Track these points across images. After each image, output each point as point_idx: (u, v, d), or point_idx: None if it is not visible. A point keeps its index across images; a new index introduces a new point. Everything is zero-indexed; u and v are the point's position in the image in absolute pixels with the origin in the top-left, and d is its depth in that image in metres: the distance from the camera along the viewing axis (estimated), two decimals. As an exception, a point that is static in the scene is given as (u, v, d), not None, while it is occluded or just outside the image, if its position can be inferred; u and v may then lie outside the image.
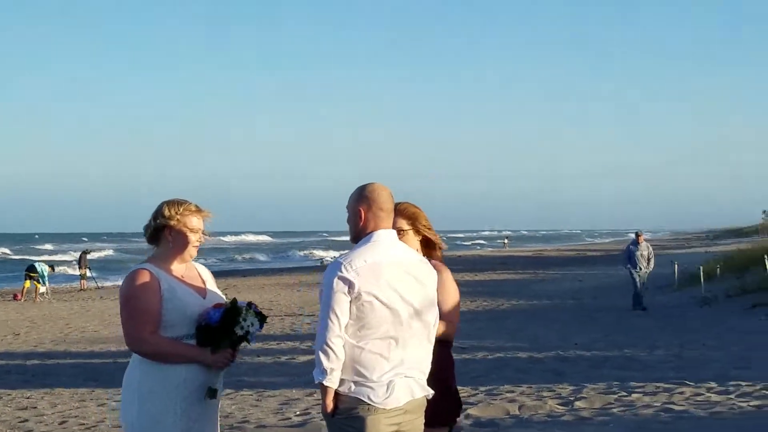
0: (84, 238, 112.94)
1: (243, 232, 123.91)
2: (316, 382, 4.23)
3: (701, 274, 23.80)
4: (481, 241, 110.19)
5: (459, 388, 10.62)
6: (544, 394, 9.91)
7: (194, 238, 4.70)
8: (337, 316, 4.15)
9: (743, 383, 9.92)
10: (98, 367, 14.42)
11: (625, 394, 9.63)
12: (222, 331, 4.55)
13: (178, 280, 4.64)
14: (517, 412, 9.00)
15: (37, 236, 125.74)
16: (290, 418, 9.29)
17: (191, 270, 4.79)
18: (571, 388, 10.25)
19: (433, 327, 4.42)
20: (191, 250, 4.71)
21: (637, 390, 9.82)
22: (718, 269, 25.36)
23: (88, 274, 36.91)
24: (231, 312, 4.57)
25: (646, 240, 22.55)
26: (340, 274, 4.18)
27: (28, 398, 11.34)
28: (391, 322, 4.22)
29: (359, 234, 4.38)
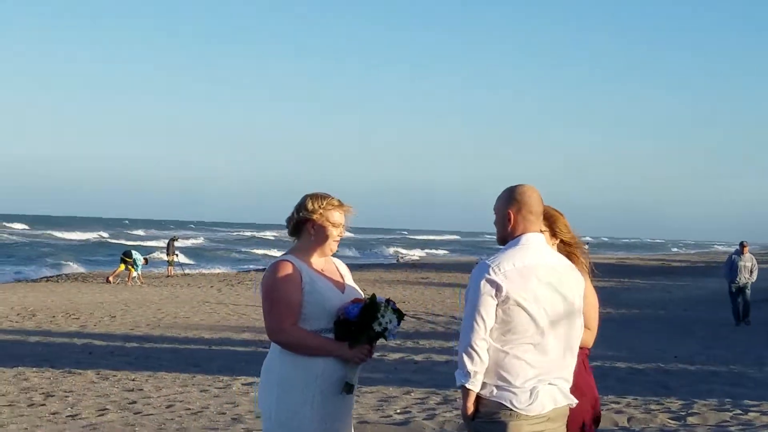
0: (171, 225, 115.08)
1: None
2: (458, 385, 4.15)
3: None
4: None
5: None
6: (653, 407, 9.66)
7: (336, 233, 4.70)
8: (483, 318, 4.08)
9: None
10: (195, 352, 14.63)
11: (740, 412, 9.32)
12: (360, 327, 4.54)
13: (319, 274, 4.65)
14: (627, 425, 8.80)
15: (126, 221, 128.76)
16: (391, 416, 9.25)
17: (330, 264, 4.79)
18: (680, 402, 9.97)
19: (579, 334, 4.33)
20: (332, 245, 4.71)
21: (753, 409, 9.49)
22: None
23: (176, 260, 37.55)
24: (370, 308, 4.55)
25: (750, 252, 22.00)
26: (487, 276, 4.11)
27: (133, 380, 11.52)
28: (537, 328, 4.13)
29: (507, 237, 4.31)
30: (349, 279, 4.83)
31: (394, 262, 58.47)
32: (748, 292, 21.19)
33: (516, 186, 4.35)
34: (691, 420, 8.92)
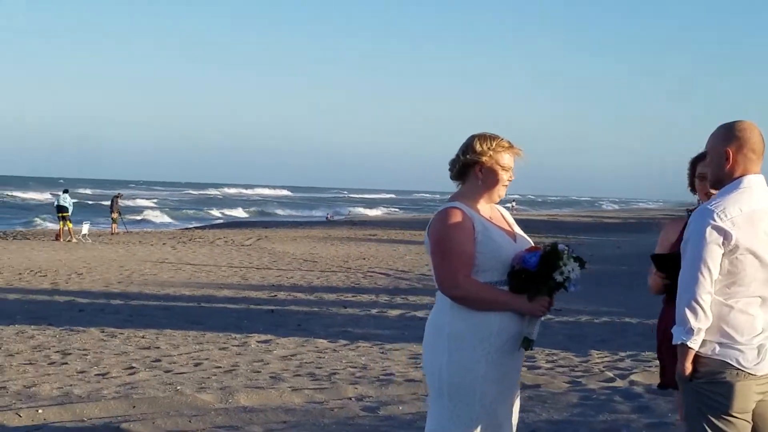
0: (114, 186, 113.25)
1: (259, 186, 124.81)
2: (678, 342, 3.76)
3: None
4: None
5: (595, 351, 10.17)
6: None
7: (505, 177, 4.27)
8: (709, 270, 3.71)
9: None
10: (188, 310, 14.00)
11: None
12: (541, 277, 4.14)
13: (490, 222, 4.22)
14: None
15: (61, 180, 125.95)
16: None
17: (495, 211, 4.37)
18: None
19: None
20: (501, 190, 4.29)
21: None
22: None
23: (120, 218, 36.71)
24: (551, 256, 4.16)
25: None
26: (713, 223, 3.72)
27: (143, 338, 10.95)
28: (762, 279, 3.78)
29: (723, 178, 3.89)
30: (516, 227, 4.42)
31: (324, 220, 57.58)
32: None
33: (735, 122, 3.92)
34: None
